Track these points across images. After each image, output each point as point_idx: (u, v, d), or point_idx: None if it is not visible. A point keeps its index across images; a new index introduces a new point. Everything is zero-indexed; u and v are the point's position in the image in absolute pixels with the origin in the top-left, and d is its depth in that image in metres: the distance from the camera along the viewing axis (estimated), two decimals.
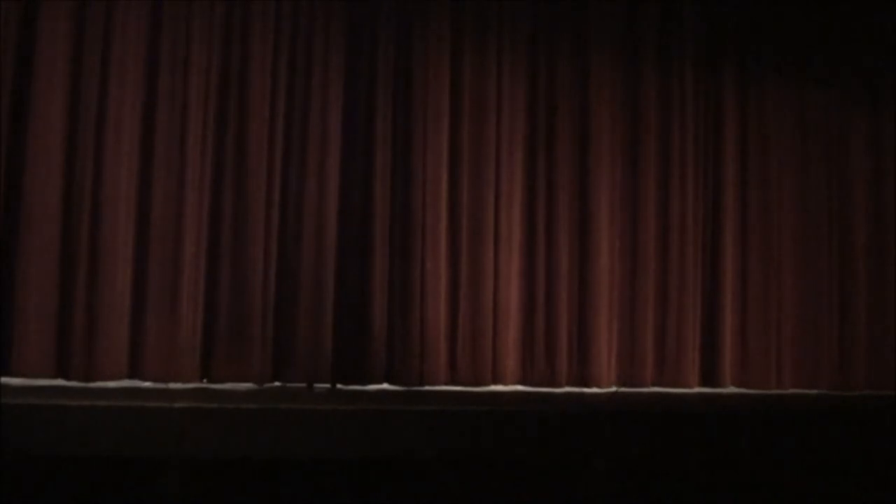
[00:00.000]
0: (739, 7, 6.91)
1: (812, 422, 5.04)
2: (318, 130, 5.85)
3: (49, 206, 5.24)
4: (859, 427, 5.01)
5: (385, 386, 5.85)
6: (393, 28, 6.06)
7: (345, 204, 5.88)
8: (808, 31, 7.07)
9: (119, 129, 5.41)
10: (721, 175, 6.82)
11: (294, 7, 5.89)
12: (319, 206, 5.80)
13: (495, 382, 6.10)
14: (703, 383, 6.63)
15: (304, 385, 5.64)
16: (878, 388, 6.85)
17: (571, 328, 6.34)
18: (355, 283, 5.86)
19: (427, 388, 5.89)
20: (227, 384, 5.49)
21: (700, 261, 6.72)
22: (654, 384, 6.48)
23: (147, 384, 5.34)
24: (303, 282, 5.73)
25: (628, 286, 6.51)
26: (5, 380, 4.98)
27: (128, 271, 5.38)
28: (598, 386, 6.30)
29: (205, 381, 5.50)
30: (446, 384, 5.98)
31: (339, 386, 5.71)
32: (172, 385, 5.34)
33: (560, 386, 6.22)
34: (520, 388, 6.17)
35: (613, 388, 6.29)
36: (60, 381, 5.17)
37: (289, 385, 5.65)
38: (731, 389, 6.67)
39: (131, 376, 5.36)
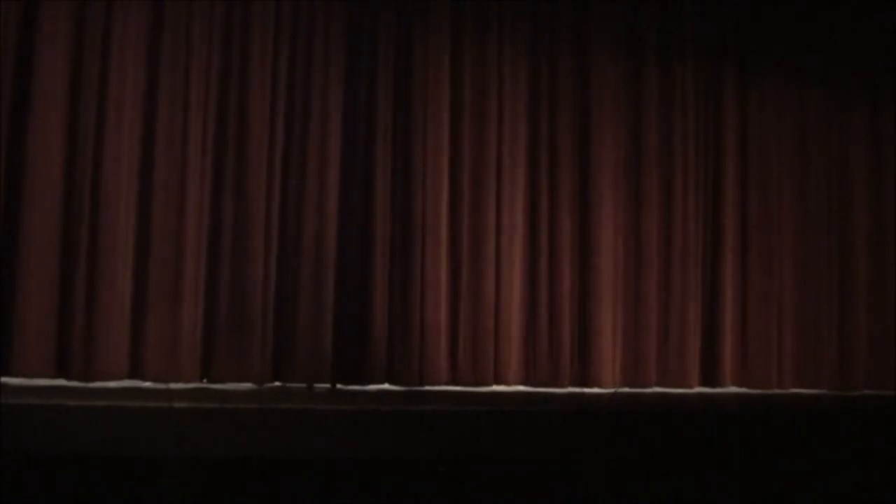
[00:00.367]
0: (739, 7, 6.91)
1: (812, 422, 5.04)
2: (319, 130, 5.85)
3: (49, 206, 5.24)
4: (859, 427, 5.01)
5: (386, 386, 5.85)
6: (393, 28, 6.07)
7: (345, 203, 5.88)
8: (808, 31, 7.07)
9: (119, 129, 5.41)
10: (722, 175, 6.82)
11: (294, 7, 5.89)
12: (320, 205, 5.80)
13: (497, 383, 6.10)
14: (704, 383, 6.63)
15: (304, 385, 5.64)
16: (878, 388, 6.86)
17: (574, 328, 6.34)
18: (355, 282, 5.86)
19: (428, 388, 5.89)
20: (228, 384, 5.49)
21: (701, 260, 6.72)
22: (656, 384, 6.47)
23: (147, 384, 5.33)
24: (303, 281, 5.73)
25: (631, 286, 6.51)
26: (5, 380, 4.98)
27: (128, 271, 5.39)
28: (602, 386, 6.30)
29: (204, 381, 5.50)
30: (447, 384, 5.98)
31: (338, 386, 5.71)
32: (172, 385, 5.34)
33: (563, 386, 6.22)
34: (521, 388, 6.16)
35: (612, 390, 6.29)
36: (60, 382, 5.17)
37: (289, 385, 5.65)
38: (732, 389, 6.67)
39: (132, 376, 5.36)
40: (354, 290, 5.85)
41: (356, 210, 5.91)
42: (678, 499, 4.53)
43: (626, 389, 6.38)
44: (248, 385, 5.53)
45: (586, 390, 6.25)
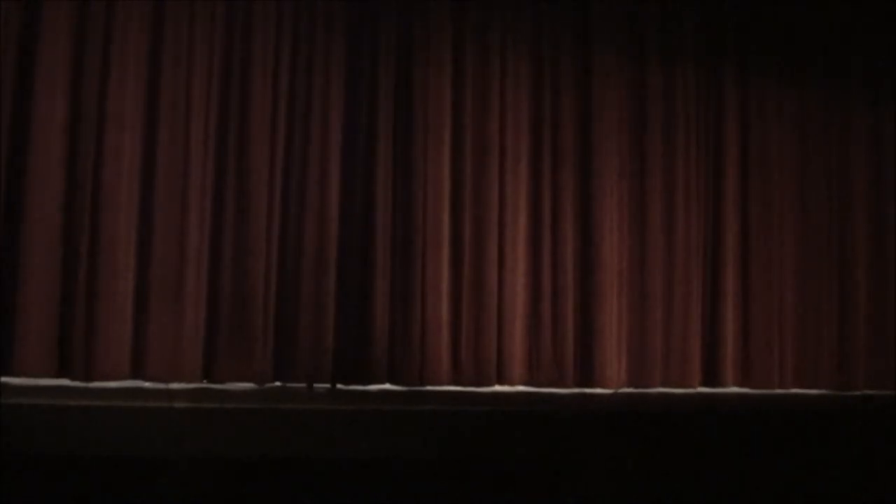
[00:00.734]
0: (739, 7, 6.91)
1: (812, 422, 5.04)
2: (320, 130, 5.86)
3: (51, 206, 5.24)
4: (859, 427, 5.01)
5: (387, 386, 5.85)
6: (394, 28, 6.07)
7: (346, 203, 5.89)
8: (808, 31, 7.07)
9: (121, 128, 5.41)
10: (723, 175, 6.84)
11: (295, 6, 5.90)
12: (321, 205, 5.81)
13: (500, 383, 6.11)
14: (706, 383, 6.64)
15: (304, 385, 5.65)
16: (878, 388, 6.86)
17: (577, 328, 6.34)
18: (357, 282, 5.86)
19: (429, 388, 5.89)
20: (228, 384, 5.49)
21: (702, 261, 6.73)
22: (661, 385, 6.48)
23: (147, 384, 5.34)
24: (304, 281, 5.74)
25: (635, 286, 6.52)
26: (6, 379, 4.99)
27: (130, 271, 5.39)
28: (606, 387, 6.30)
29: (205, 381, 5.51)
30: (449, 384, 5.98)
31: (339, 386, 5.71)
32: (172, 385, 5.34)
33: (567, 387, 6.22)
34: (522, 388, 6.16)
35: (612, 390, 6.29)
36: (61, 381, 5.17)
37: (289, 385, 5.65)
38: (734, 389, 6.68)
39: (134, 376, 5.36)
40: (355, 290, 5.85)
41: (357, 209, 5.91)
42: (679, 499, 4.53)
43: (627, 390, 6.38)
44: (248, 385, 5.53)
45: (590, 391, 6.25)
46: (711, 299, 6.72)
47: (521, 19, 6.40)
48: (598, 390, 6.27)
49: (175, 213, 5.50)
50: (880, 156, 7.21)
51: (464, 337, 6.07)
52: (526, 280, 6.27)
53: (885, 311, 7.05)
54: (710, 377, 6.65)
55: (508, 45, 6.36)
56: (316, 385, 5.67)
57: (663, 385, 6.49)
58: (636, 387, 6.43)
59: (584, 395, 6.17)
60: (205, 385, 5.47)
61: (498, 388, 6.08)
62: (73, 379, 5.19)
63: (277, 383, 5.65)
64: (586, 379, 6.31)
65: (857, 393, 6.88)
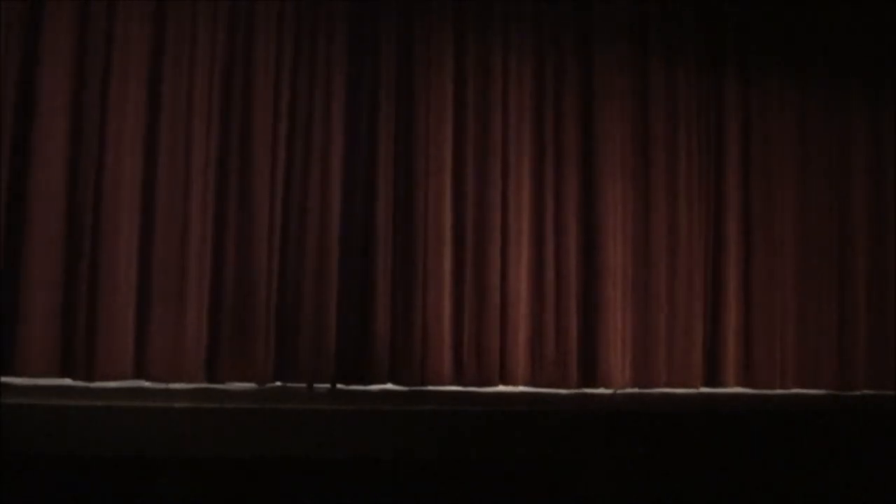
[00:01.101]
0: (740, 7, 6.91)
1: (813, 422, 5.04)
2: (321, 130, 5.86)
3: (53, 205, 5.25)
4: (859, 427, 5.00)
5: (388, 386, 5.85)
6: (395, 27, 6.08)
7: (348, 202, 5.89)
8: (808, 30, 7.07)
9: (122, 128, 5.41)
10: (724, 175, 6.83)
11: (297, 6, 5.90)
12: (322, 205, 5.81)
13: (503, 383, 6.10)
14: (708, 384, 6.64)
15: (304, 385, 5.66)
16: (878, 388, 6.86)
17: (581, 329, 6.33)
18: (358, 282, 5.86)
19: (430, 388, 5.89)
20: (228, 384, 5.50)
21: (704, 261, 6.72)
22: (664, 385, 6.48)
23: (147, 384, 5.34)
24: (306, 281, 5.74)
25: (638, 286, 6.52)
26: (7, 379, 5.00)
27: (132, 272, 5.39)
28: (610, 387, 6.30)
29: (206, 381, 5.51)
30: (451, 384, 5.97)
31: (339, 386, 5.72)
32: (173, 385, 5.35)
33: (570, 387, 6.21)
34: (524, 389, 6.16)
35: (612, 391, 6.29)
36: (62, 381, 5.18)
37: (290, 385, 5.65)
38: (735, 390, 6.67)
39: (136, 377, 5.36)
40: (357, 290, 5.85)
41: (359, 210, 5.91)
42: (680, 499, 4.53)
43: (629, 390, 6.38)
44: (248, 385, 5.54)
45: (592, 391, 6.25)
46: (713, 299, 6.72)
47: (523, 18, 6.39)
48: (601, 391, 6.27)
49: (177, 213, 5.50)
50: (880, 156, 7.21)
51: (466, 337, 6.06)
52: (528, 280, 6.26)
53: (886, 312, 7.04)
54: (712, 377, 6.65)
55: (510, 45, 6.36)
56: (316, 385, 5.67)
57: (666, 385, 6.49)
58: (639, 387, 6.43)
59: (585, 395, 6.16)
60: (205, 385, 5.46)
61: (500, 388, 6.08)
62: (75, 379, 5.20)
63: (278, 383, 5.65)
64: (589, 379, 6.30)
65: (858, 393, 6.88)
